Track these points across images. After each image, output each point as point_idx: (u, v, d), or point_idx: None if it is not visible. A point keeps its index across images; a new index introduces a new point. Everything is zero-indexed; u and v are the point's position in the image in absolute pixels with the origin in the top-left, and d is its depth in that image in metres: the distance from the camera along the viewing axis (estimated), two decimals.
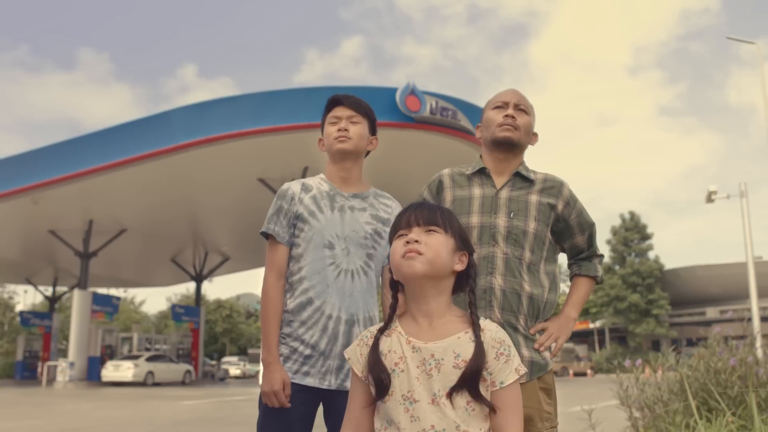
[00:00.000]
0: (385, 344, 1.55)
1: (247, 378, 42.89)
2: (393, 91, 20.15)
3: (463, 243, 1.59)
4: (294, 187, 2.36)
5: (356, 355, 1.59)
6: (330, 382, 2.20)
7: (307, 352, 2.20)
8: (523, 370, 1.53)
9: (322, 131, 2.44)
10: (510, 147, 2.39)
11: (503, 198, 2.35)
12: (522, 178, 2.40)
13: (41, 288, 40.24)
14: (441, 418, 1.45)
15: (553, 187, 2.40)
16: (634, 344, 43.81)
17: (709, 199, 20.78)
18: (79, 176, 22.13)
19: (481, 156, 2.50)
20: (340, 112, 2.40)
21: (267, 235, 2.33)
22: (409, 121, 20.08)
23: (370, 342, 1.56)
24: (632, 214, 44.89)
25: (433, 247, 1.52)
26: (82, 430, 9.53)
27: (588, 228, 2.47)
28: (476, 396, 1.47)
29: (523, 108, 2.42)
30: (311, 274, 2.24)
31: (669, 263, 48.61)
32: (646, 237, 44.56)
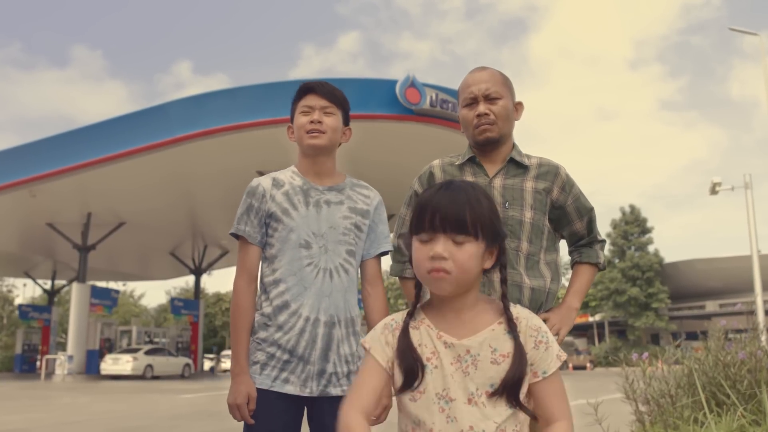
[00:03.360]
0: (414, 336, 1.41)
1: None
2: (393, 83, 20.02)
3: (494, 238, 1.42)
4: (264, 182, 2.19)
5: (380, 343, 1.42)
6: (311, 389, 2.06)
7: (285, 357, 2.06)
8: (564, 355, 1.43)
9: (292, 119, 2.27)
10: (494, 144, 2.28)
11: (497, 187, 2.24)
12: (516, 165, 2.29)
13: (40, 281, 40.20)
14: (480, 418, 1.34)
15: (548, 171, 2.29)
16: (634, 338, 43.80)
17: (713, 190, 20.64)
18: (78, 169, 22.03)
19: (470, 146, 2.38)
20: (313, 101, 2.20)
21: (237, 236, 2.19)
22: (409, 114, 19.96)
23: (397, 332, 1.42)
24: (632, 208, 44.78)
25: (463, 265, 1.36)
26: (79, 424, 9.44)
27: (586, 213, 2.36)
28: (518, 404, 1.37)
29: (494, 96, 2.26)
30: (287, 276, 2.10)
31: (669, 257, 48.59)
32: (646, 230, 44.47)
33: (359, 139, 2.37)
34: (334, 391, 2.07)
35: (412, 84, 20.05)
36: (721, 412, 4.05)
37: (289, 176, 2.23)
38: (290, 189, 2.18)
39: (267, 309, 2.11)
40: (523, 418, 1.40)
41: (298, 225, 2.12)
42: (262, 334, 2.10)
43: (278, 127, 19.83)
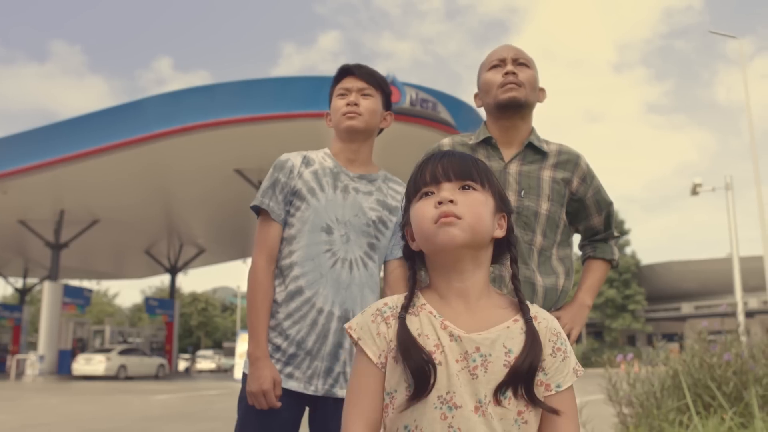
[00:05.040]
0: (412, 325, 1.19)
1: (221, 371, 42.67)
2: None
3: (502, 202, 1.27)
4: (294, 158, 2.07)
5: (370, 333, 1.20)
6: (317, 387, 1.91)
7: (292, 350, 1.91)
8: (582, 371, 1.22)
9: (330, 105, 2.16)
10: (517, 108, 2.10)
11: (513, 173, 2.08)
12: (534, 150, 2.13)
13: (11, 280, 39.48)
14: (491, 428, 1.11)
15: (569, 160, 2.14)
16: (610, 339, 44.11)
17: (694, 191, 20.72)
18: (51, 165, 21.61)
19: (485, 123, 2.21)
20: (350, 83, 2.10)
21: (258, 210, 2.03)
22: None
23: (392, 320, 1.20)
24: None
25: (473, 209, 1.19)
26: (48, 426, 9.17)
27: (606, 207, 2.21)
28: (532, 399, 1.15)
29: (523, 62, 2.14)
30: (304, 260, 1.95)
31: (646, 259, 49.18)
32: (623, 233, 44.84)
33: (382, 142, 2.24)
34: (341, 392, 1.93)
35: (392, 83, 19.93)
36: (707, 415, 3.96)
37: (321, 157, 2.11)
38: (320, 169, 2.06)
39: (280, 295, 1.97)
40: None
41: (322, 207, 2.00)
42: (270, 322, 1.96)
43: (257, 125, 19.62)
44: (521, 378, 1.13)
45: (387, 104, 2.17)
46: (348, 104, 2.07)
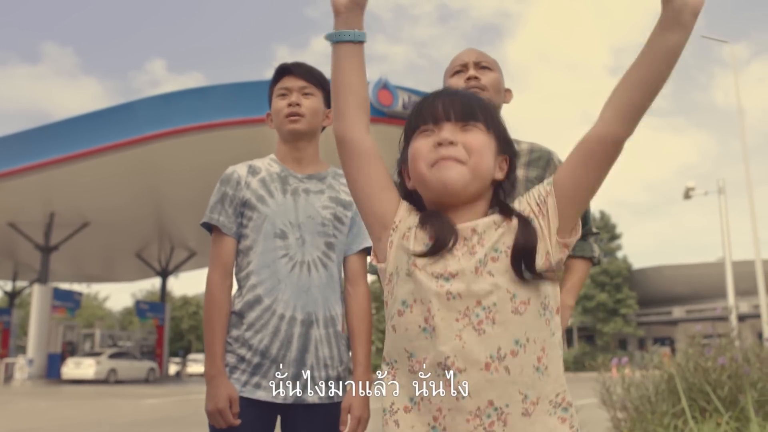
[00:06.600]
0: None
1: None
2: None
3: (506, 144, 1.21)
4: (239, 170, 2.03)
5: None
6: (285, 395, 1.85)
7: (256, 360, 1.87)
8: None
9: (270, 104, 2.11)
10: None
11: None
12: None
13: (0, 283, 39.21)
14: (489, 289, 1.10)
15: (540, 157, 2.12)
16: (602, 343, 44.18)
17: (687, 195, 20.71)
18: (41, 167, 21.47)
19: None
20: (290, 82, 2.05)
21: (210, 227, 1.99)
22: (380, 116, 19.81)
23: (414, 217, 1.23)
24: (602, 214, 45.25)
25: (476, 151, 1.14)
26: (35, 431, 9.07)
27: None
28: (532, 269, 1.10)
29: (485, 65, 2.13)
30: (260, 268, 1.92)
31: (637, 263, 49.46)
32: (615, 237, 44.96)
33: (330, 139, 2.19)
34: (311, 398, 1.88)
35: (384, 86, 19.92)
36: (702, 419, 3.93)
37: (267, 163, 2.07)
38: (267, 176, 2.02)
39: (238, 305, 1.93)
40: (551, 290, 1.16)
41: (273, 213, 1.96)
42: (233, 333, 1.92)
43: (249, 127, 19.56)
44: (523, 254, 1.10)
45: (328, 102, 2.12)
46: (290, 105, 2.03)
